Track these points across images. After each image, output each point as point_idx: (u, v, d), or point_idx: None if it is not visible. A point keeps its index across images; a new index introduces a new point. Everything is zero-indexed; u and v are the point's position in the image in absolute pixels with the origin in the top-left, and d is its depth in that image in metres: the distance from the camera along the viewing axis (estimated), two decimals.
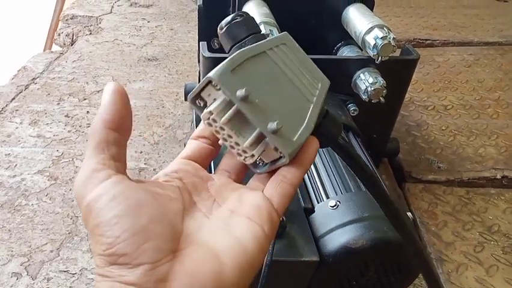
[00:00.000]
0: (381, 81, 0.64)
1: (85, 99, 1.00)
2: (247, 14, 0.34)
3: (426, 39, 1.41)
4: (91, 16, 1.45)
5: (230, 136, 0.26)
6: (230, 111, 0.25)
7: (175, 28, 1.41)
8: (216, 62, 0.63)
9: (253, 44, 0.30)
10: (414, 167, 0.86)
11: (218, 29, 0.35)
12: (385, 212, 0.38)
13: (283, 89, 0.29)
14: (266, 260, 0.40)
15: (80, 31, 1.41)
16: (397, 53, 0.67)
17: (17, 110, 0.94)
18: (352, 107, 0.68)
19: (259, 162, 0.29)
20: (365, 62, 0.65)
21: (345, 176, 0.51)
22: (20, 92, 1.00)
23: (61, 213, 0.68)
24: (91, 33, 1.36)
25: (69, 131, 0.88)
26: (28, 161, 0.78)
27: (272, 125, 0.25)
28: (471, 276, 0.64)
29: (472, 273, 0.64)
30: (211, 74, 0.25)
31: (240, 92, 0.25)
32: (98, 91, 1.03)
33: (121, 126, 0.25)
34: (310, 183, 0.52)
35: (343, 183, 0.50)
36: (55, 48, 1.42)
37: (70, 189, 0.73)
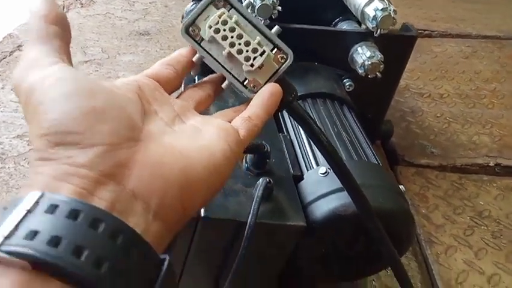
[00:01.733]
0: (378, 55, 0.61)
1: None
2: None
3: (425, 30, 1.39)
4: None
5: (240, 36, 0.27)
6: (235, 15, 0.27)
7: (169, 5, 1.37)
8: None
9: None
10: (407, 150, 0.84)
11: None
12: (341, 182, 0.37)
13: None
14: (250, 221, 0.38)
15: (71, 4, 1.37)
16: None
17: (0, 75, 0.90)
18: (347, 82, 0.66)
19: (253, 87, 0.29)
20: (363, 36, 0.63)
21: (336, 145, 0.49)
22: (3, 58, 0.96)
23: None
24: (82, 6, 1.32)
25: None
26: (8, 125, 0.75)
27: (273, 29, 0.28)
28: (460, 258, 0.62)
29: (460, 255, 0.63)
30: None
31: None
32: (86, 61, 0.99)
33: (60, 21, 0.24)
34: (300, 150, 0.50)
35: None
36: None
37: None
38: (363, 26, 0.64)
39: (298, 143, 0.52)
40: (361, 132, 0.54)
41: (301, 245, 0.43)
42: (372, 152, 0.50)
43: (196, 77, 0.40)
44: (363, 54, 0.62)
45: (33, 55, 0.22)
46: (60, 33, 0.23)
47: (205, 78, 0.31)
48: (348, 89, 0.66)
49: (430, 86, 1.09)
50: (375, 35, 0.61)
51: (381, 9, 0.59)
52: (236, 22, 0.27)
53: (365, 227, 0.43)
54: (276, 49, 0.29)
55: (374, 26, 0.60)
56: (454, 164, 0.82)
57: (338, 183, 0.43)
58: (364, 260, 0.47)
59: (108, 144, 0.20)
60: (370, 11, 0.61)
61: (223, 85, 0.30)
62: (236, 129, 0.26)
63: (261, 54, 0.28)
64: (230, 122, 0.27)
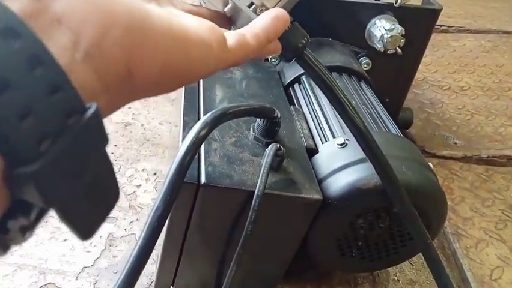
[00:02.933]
0: (399, 28, 0.56)
1: None
2: None
3: (441, 25, 1.33)
4: None
5: None
6: None
7: None
8: None
9: None
10: (427, 142, 0.78)
11: None
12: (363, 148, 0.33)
13: None
14: (257, 190, 0.33)
15: None
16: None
17: None
18: (364, 60, 0.61)
19: (261, 11, 0.26)
20: (382, 8, 0.58)
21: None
22: None
23: None
24: None
25: None
26: None
27: None
28: (492, 253, 0.56)
29: (493, 250, 0.56)
30: None
31: None
32: None
33: None
34: (314, 124, 0.45)
35: None
36: None
37: None
38: None
39: (312, 116, 0.46)
40: (380, 105, 0.49)
41: (314, 226, 0.38)
42: (394, 125, 0.45)
43: None
44: (382, 27, 0.57)
45: None
46: None
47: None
48: (365, 67, 0.61)
49: (449, 78, 1.03)
50: (395, 5, 0.56)
51: None
52: None
53: (390, 204, 0.37)
54: None
55: None
56: (479, 155, 0.75)
57: (357, 155, 0.38)
58: (387, 246, 0.41)
59: None
60: None
61: (226, 9, 0.26)
62: (224, 35, 0.21)
63: None
64: None
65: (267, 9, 0.26)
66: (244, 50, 0.22)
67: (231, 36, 0.22)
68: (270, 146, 0.35)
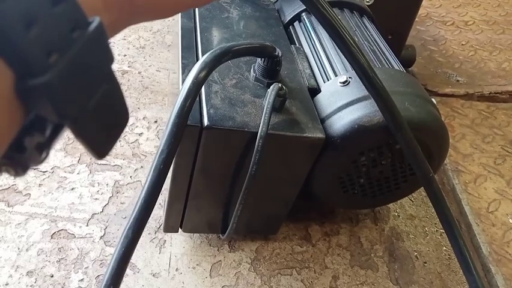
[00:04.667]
0: None
1: None
2: None
3: None
4: None
5: None
6: None
7: None
8: None
9: None
10: (430, 80, 0.77)
11: None
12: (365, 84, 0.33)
13: None
14: (261, 131, 0.33)
15: None
16: None
17: None
18: None
19: None
20: None
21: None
22: None
23: None
24: None
25: None
26: None
27: None
28: (490, 187, 0.57)
29: (491, 184, 0.58)
30: None
31: None
32: None
33: None
34: (316, 63, 0.44)
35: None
36: None
37: None
38: None
39: (313, 55, 0.45)
40: (383, 41, 0.47)
41: (318, 164, 0.38)
42: (397, 62, 0.44)
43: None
44: None
45: None
46: None
47: None
48: (368, 2, 0.58)
49: (454, 13, 0.99)
50: None
51: None
52: None
53: (393, 140, 0.37)
54: None
55: None
56: (481, 92, 0.75)
57: (360, 92, 0.38)
58: (389, 182, 0.42)
59: None
60: None
61: None
62: None
63: None
64: None
65: None
66: None
67: None
68: (271, 86, 0.34)
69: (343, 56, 0.43)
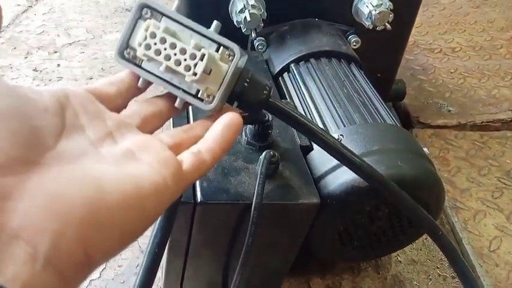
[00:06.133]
0: (387, 2, 0.54)
1: (56, 52, 0.90)
2: None
3: None
4: None
5: (174, 45, 0.23)
6: (162, 24, 0.23)
7: None
8: None
9: None
10: (421, 111, 0.78)
11: None
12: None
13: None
14: (255, 203, 0.32)
15: None
16: None
17: None
18: (353, 39, 0.59)
19: (208, 96, 0.24)
20: None
21: (348, 109, 0.42)
22: None
23: None
24: None
25: (37, 85, 0.79)
26: None
27: (210, 27, 0.24)
28: (490, 223, 0.57)
29: (491, 220, 0.57)
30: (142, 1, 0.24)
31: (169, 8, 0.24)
32: (70, 43, 0.93)
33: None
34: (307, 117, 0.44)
35: (346, 116, 0.42)
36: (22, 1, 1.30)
37: None
38: None
39: (304, 109, 0.45)
40: (373, 91, 0.48)
41: (315, 225, 0.38)
42: (388, 113, 0.44)
43: None
44: (369, 3, 0.54)
45: None
46: None
47: (161, 94, 0.26)
48: (355, 46, 0.59)
49: (440, 40, 1.01)
50: None
51: None
52: (166, 30, 0.23)
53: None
54: (220, 47, 0.24)
55: None
56: (473, 121, 0.75)
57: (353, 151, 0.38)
58: (388, 235, 0.42)
59: None
60: None
61: (176, 104, 0.25)
62: (179, 161, 0.21)
63: (202, 59, 0.23)
64: (178, 146, 0.23)
65: (214, 92, 0.24)
66: (200, 170, 0.22)
67: (187, 159, 0.22)
68: (263, 154, 0.34)
69: (334, 112, 0.43)
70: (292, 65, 0.51)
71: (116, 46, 0.24)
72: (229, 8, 0.54)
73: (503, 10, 1.12)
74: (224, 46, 0.24)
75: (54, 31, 0.98)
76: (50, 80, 0.80)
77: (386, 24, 0.55)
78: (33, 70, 0.83)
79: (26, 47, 0.91)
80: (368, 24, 0.55)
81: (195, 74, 0.23)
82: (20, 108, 0.17)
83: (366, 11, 0.55)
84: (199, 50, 0.23)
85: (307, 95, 0.46)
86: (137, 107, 0.24)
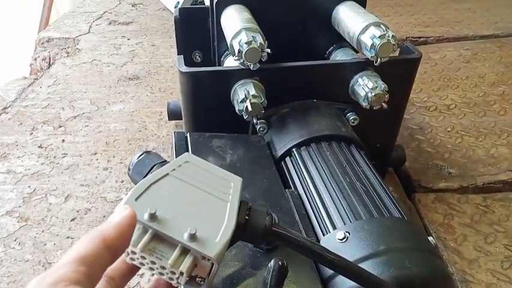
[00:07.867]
0: (382, 85, 0.56)
1: (61, 126, 0.92)
2: (148, 151, 0.48)
3: (420, 37, 1.35)
4: (68, 38, 1.38)
5: (154, 262, 0.25)
6: (145, 237, 0.26)
7: (156, 44, 1.34)
8: (194, 77, 0.56)
9: (155, 171, 0.31)
10: (422, 174, 0.78)
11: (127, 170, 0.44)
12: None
13: (193, 199, 0.30)
14: None
15: (57, 54, 1.34)
16: (396, 53, 0.60)
17: None
18: (351, 116, 0.61)
19: (200, 281, 0.28)
20: (363, 65, 0.59)
21: (353, 201, 0.43)
22: None
23: (31, 260, 0.60)
24: (68, 55, 1.29)
25: (42, 164, 0.80)
26: None
27: (187, 233, 0.26)
28: None
29: None
30: None
31: (146, 213, 0.26)
32: (74, 117, 0.95)
33: (119, 250, 0.24)
34: (313, 212, 0.44)
35: (351, 209, 0.42)
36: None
37: (43, 231, 0.65)
38: (361, 54, 0.60)
39: (308, 199, 0.46)
40: (375, 177, 0.49)
41: None
42: (392, 201, 0.45)
43: None
44: (365, 86, 0.57)
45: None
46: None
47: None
48: (353, 123, 0.61)
49: (435, 97, 1.03)
50: (376, 64, 0.56)
51: (379, 37, 0.55)
52: (145, 248, 0.25)
53: None
54: (200, 257, 0.27)
55: (373, 55, 0.55)
56: (475, 183, 0.76)
57: (359, 252, 0.38)
58: None
59: None
60: (367, 40, 0.56)
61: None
62: None
63: (181, 274, 0.25)
64: None
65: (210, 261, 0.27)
66: None
67: None
68: (272, 263, 0.35)
69: (339, 204, 0.44)
70: (294, 149, 0.53)
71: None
72: (231, 96, 0.56)
73: (493, 64, 1.16)
74: (201, 256, 0.26)
75: (59, 104, 1.00)
76: (55, 157, 0.82)
77: (383, 104, 0.57)
78: (39, 147, 0.85)
79: (31, 122, 0.93)
80: (365, 105, 0.57)
81: (178, 280, 0.26)
82: None
83: (362, 93, 0.57)
84: (177, 268, 0.25)
85: (311, 183, 0.47)
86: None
